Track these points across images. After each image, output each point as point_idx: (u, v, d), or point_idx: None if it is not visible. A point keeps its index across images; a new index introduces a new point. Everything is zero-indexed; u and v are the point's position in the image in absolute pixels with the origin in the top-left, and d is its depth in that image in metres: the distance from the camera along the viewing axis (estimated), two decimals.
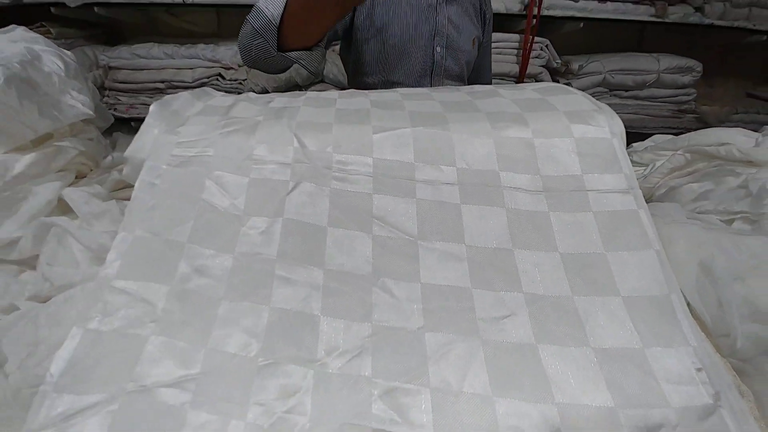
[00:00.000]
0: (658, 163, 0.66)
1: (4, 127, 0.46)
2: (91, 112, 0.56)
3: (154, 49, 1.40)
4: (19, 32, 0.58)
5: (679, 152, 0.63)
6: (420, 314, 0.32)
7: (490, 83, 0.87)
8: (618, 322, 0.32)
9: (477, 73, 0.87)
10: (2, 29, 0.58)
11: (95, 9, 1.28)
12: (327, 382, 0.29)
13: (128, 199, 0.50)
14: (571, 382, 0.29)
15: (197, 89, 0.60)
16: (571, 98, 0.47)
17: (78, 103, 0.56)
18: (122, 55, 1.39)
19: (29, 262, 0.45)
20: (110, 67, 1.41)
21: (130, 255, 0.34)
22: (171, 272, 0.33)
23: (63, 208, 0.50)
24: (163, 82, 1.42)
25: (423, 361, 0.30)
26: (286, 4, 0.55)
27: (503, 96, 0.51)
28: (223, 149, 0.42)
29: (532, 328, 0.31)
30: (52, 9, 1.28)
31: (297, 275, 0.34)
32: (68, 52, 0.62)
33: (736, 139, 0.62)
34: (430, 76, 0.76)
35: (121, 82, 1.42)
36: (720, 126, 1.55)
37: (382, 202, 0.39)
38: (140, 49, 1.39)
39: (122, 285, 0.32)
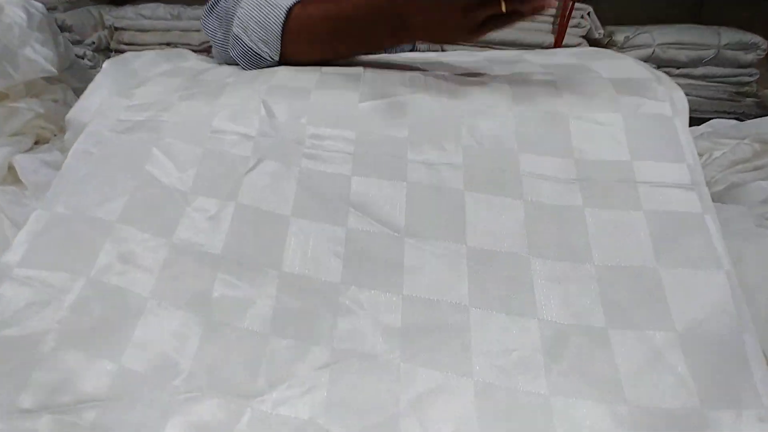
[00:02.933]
0: (716, 153, 0.55)
1: None
2: (53, 69, 0.50)
3: (160, 10, 1.33)
4: None
5: (745, 141, 0.52)
6: (396, 341, 0.25)
7: None
8: (668, 370, 0.23)
9: None
10: None
11: None
12: (259, 430, 0.22)
13: None
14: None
15: (173, 50, 0.52)
16: (620, 64, 0.37)
17: (40, 57, 0.49)
18: (127, 14, 1.33)
19: None
20: (116, 28, 1.37)
21: (43, 237, 0.27)
22: (89, 259, 0.27)
23: (16, 175, 0.45)
24: (168, 44, 1.36)
25: (395, 416, 0.22)
26: (282, 32, 0.39)
27: (530, 61, 0.41)
28: (179, 114, 0.35)
29: (546, 381, 0.23)
30: None
31: (243, 280, 0.27)
32: (37, 3, 0.55)
33: None
34: None
35: (127, 44, 1.37)
36: None
37: (363, 186, 0.31)
38: (145, 9, 1.33)
39: (26, 274, 0.26)
